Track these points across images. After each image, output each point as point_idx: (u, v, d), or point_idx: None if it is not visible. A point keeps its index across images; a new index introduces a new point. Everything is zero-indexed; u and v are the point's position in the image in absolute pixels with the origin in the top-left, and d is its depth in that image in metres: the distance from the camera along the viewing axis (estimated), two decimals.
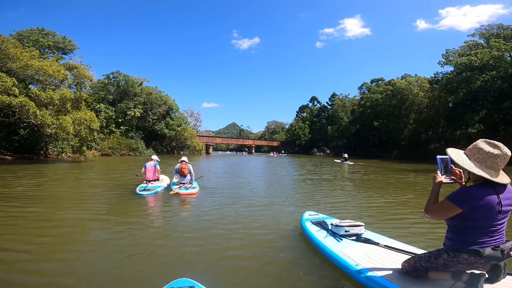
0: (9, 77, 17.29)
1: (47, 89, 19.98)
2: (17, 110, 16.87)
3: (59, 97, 18.86)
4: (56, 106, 18.94)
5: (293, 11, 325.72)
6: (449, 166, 1.93)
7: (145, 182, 7.18)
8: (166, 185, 7.33)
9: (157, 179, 7.43)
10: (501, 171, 1.77)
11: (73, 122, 18.62)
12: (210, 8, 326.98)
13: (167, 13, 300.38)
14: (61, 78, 21.53)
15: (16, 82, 17.41)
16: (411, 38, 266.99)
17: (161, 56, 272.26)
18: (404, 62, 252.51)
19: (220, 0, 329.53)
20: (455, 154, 1.87)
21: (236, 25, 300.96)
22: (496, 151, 1.73)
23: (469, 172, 1.78)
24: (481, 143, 1.79)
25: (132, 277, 2.52)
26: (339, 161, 25.41)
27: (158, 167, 7.51)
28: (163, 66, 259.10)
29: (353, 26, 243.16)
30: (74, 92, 23.45)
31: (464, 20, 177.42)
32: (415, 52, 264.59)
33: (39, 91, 19.08)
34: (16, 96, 16.62)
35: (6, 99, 15.88)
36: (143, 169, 7.35)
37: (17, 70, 19.22)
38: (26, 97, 17.25)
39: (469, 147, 1.85)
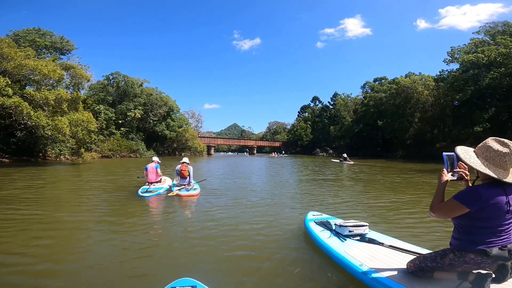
0: (4, 77, 16.97)
1: (42, 89, 19.59)
2: (12, 111, 16.54)
3: (54, 98, 18.47)
4: (51, 107, 18.55)
5: (293, 12, 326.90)
6: (455, 164, 1.91)
7: (147, 184, 7.17)
8: (168, 187, 7.31)
9: (159, 181, 7.44)
10: (511, 170, 1.74)
11: (69, 123, 18.22)
12: (211, 9, 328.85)
13: (167, 14, 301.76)
14: (57, 78, 21.04)
15: (10, 82, 17.04)
16: (411, 37, 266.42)
17: (162, 57, 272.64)
18: (405, 62, 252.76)
19: (221, 1, 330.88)
20: (463, 152, 1.85)
21: (237, 26, 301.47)
22: (505, 150, 1.70)
23: (478, 171, 1.76)
24: (491, 141, 1.77)
25: (135, 277, 2.52)
26: (338, 161, 25.28)
27: (159, 169, 7.51)
28: (164, 67, 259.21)
29: (354, 26, 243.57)
30: (71, 92, 22.96)
31: (464, 19, 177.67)
32: (416, 51, 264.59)
33: (34, 91, 18.73)
34: (9, 97, 16.28)
35: None
36: (145, 171, 7.35)
37: (12, 70, 18.82)
38: (20, 97, 16.92)
39: (479, 145, 1.84)
